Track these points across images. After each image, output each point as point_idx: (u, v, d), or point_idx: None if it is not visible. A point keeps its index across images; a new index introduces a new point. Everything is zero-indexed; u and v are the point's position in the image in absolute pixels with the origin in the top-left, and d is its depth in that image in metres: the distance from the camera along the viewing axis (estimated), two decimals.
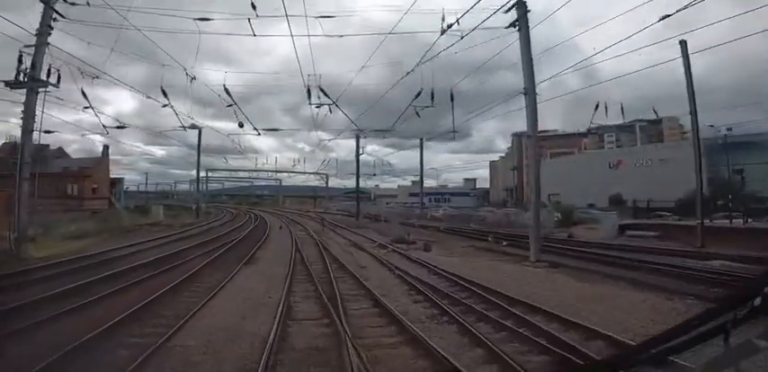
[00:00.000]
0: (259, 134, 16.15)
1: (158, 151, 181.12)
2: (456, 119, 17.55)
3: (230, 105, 15.24)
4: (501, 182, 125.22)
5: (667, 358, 1.46)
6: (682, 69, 18.11)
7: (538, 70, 15.29)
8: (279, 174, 77.62)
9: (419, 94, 15.64)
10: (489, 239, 21.28)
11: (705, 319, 1.46)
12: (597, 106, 18.52)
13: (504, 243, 20.95)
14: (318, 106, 15.66)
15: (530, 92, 15.46)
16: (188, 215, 39.44)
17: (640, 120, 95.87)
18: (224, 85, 15.13)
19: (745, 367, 1.34)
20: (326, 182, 64.46)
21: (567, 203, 34.85)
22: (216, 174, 68.42)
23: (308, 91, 14.83)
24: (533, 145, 16.05)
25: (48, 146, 58.40)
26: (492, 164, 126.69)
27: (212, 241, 19.76)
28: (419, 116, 16.20)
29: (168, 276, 11.49)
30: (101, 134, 18.19)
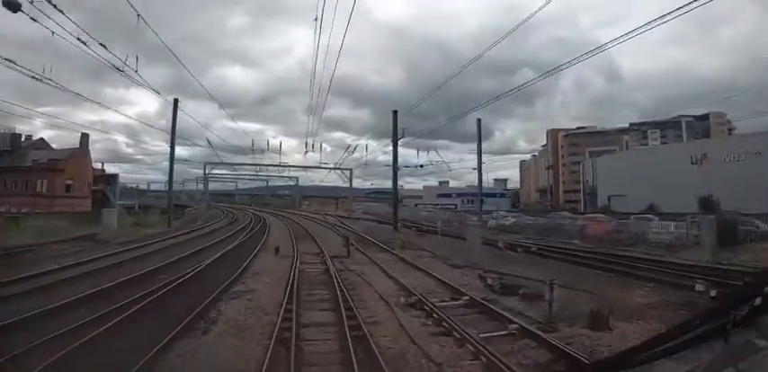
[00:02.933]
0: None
1: (182, 151, 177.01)
2: None
3: None
4: (533, 183, 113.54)
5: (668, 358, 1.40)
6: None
7: None
8: (296, 172, 67.09)
9: None
10: (700, 288, 9.89)
11: (705, 319, 1.44)
12: None
13: (713, 294, 9.83)
14: None
15: None
16: (168, 220, 28.71)
17: (685, 116, 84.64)
18: None
19: (745, 367, 1.29)
20: (350, 179, 52.63)
21: (729, 211, 23.02)
22: (218, 171, 57.92)
23: None
24: None
25: (30, 136, 49.11)
26: (522, 164, 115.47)
27: (124, 286, 9.00)
28: None
29: None
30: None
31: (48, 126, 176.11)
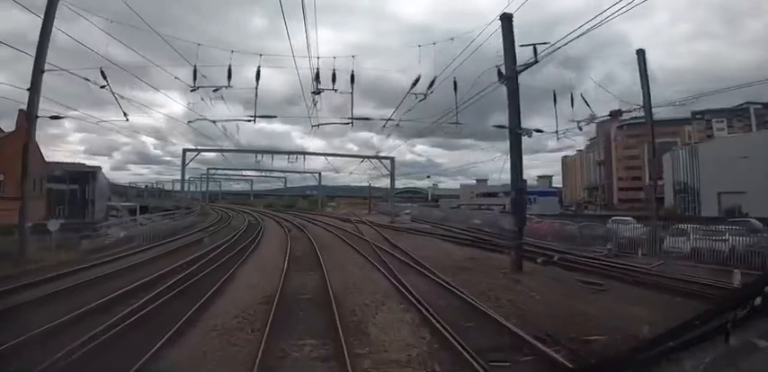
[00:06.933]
0: None
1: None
2: None
3: None
4: (579, 181, 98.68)
5: (668, 358, 1.33)
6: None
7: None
8: (319, 170, 54.52)
9: None
10: None
11: (705, 319, 1.37)
12: None
13: None
14: None
15: None
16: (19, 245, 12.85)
17: (753, 103, 70.71)
18: None
19: (745, 367, 1.24)
20: (392, 172, 36.78)
21: None
22: (223, 169, 45.35)
23: None
24: None
25: None
26: (565, 161, 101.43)
27: None
28: None
29: None
30: None
31: (78, 128, 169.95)
